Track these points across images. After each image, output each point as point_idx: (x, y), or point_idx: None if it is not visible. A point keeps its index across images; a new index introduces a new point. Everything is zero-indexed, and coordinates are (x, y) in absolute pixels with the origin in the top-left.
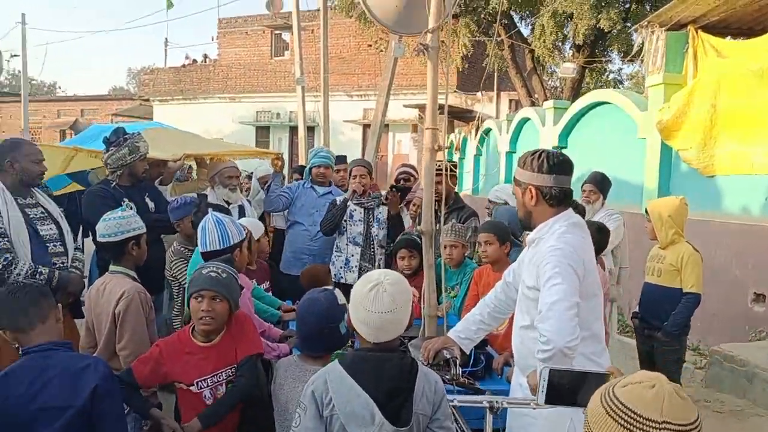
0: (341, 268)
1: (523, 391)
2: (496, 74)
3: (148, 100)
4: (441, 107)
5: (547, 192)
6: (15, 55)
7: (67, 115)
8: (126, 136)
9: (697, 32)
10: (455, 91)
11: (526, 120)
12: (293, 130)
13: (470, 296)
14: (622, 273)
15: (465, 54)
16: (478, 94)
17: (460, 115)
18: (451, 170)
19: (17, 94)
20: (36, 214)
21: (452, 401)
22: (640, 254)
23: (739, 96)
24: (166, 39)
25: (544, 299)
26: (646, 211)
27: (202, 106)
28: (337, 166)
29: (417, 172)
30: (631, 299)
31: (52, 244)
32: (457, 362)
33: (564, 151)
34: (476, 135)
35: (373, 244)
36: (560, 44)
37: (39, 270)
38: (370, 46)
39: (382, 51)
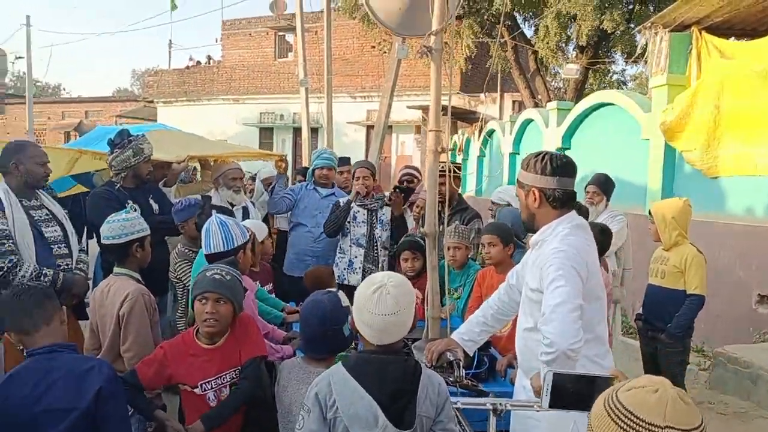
0: (345, 269)
1: (526, 393)
2: (499, 75)
3: (152, 101)
4: (444, 108)
5: (551, 194)
6: (20, 57)
7: (72, 116)
8: (130, 138)
9: (700, 33)
10: (458, 93)
11: (529, 121)
12: (297, 131)
13: (473, 298)
14: (626, 274)
15: (468, 55)
16: (481, 95)
17: (464, 117)
18: (455, 172)
19: (22, 96)
20: (40, 216)
21: (456, 403)
22: (644, 255)
23: (742, 97)
24: (170, 41)
25: (548, 301)
26: (650, 213)
27: (206, 108)
28: (340, 168)
29: (420, 174)
30: (634, 301)
31: (56, 246)
32: (461, 364)
33: (567, 152)
34: (479, 136)
35: (376, 245)
36: (563, 45)
37: (43, 272)
38: (374, 47)
39: (385, 52)
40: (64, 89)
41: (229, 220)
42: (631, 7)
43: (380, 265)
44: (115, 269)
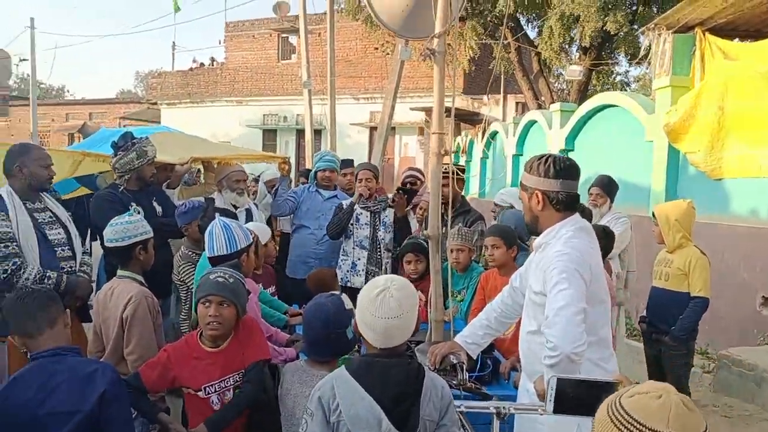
0: (348, 271)
1: (530, 397)
2: (502, 77)
3: (155, 103)
4: (447, 110)
5: (554, 197)
6: (24, 60)
7: (76, 118)
8: (134, 140)
9: (704, 34)
10: (461, 95)
11: (532, 123)
12: (300, 133)
13: (477, 300)
14: (630, 276)
15: (471, 57)
16: (485, 97)
17: (467, 118)
18: (459, 174)
19: (26, 98)
20: (44, 219)
21: (459, 407)
22: (648, 257)
23: (746, 98)
24: (173, 42)
25: (551, 305)
26: (653, 215)
27: (210, 110)
28: (343, 170)
29: (423, 176)
30: (638, 303)
31: (60, 248)
32: (464, 367)
33: (571, 154)
34: (483, 138)
35: (379, 247)
36: (567, 47)
37: (47, 274)
38: (377, 49)
39: (388, 54)
40: (68, 91)
41: (232, 222)
42: (634, 8)
43: (383, 267)
44: (119, 272)
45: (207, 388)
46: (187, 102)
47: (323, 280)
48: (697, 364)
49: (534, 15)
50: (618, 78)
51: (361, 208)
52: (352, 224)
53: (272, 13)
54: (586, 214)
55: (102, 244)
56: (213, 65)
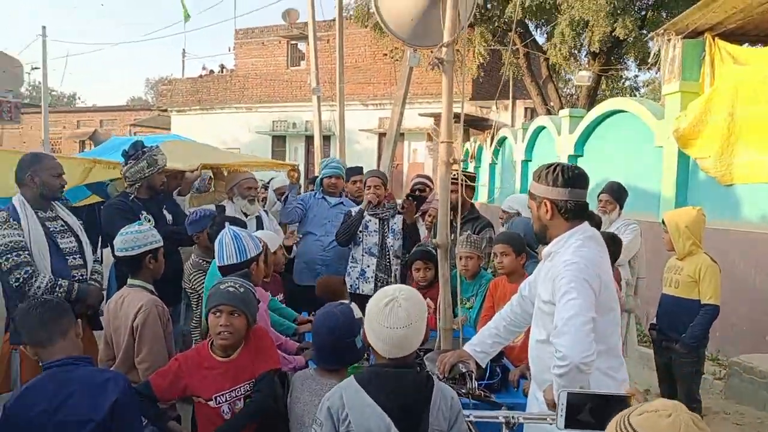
0: (357, 278)
1: (539, 405)
2: (511, 82)
3: (165, 110)
4: (456, 116)
5: (563, 205)
6: (36, 68)
7: (87, 125)
8: (144, 149)
9: (714, 40)
10: (471, 100)
11: (541, 128)
12: (309, 139)
13: (486, 308)
14: (640, 283)
15: (480, 63)
16: (493, 106)
17: (476, 124)
18: (468, 182)
19: (38, 105)
20: (56, 228)
21: (468, 416)
22: (658, 263)
23: (757, 103)
24: (183, 50)
25: (560, 314)
26: (663, 222)
27: (219, 116)
28: (353, 178)
29: (432, 182)
30: (648, 309)
31: (71, 257)
32: (473, 376)
33: (580, 159)
34: (492, 144)
35: (388, 254)
36: (576, 52)
37: (59, 283)
38: (386, 55)
39: (397, 60)
40: (79, 98)
41: (243, 231)
42: (643, 13)
43: (393, 274)
44: (129, 281)
45: (218, 398)
46: (197, 109)
47: (332, 288)
48: (708, 370)
49: (543, 21)
50: (627, 83)
51: (370, 215)
52: (361, 231)
53: (281, 20)
54: (596, 221)
55: (113, 252)
56: (223, 72)
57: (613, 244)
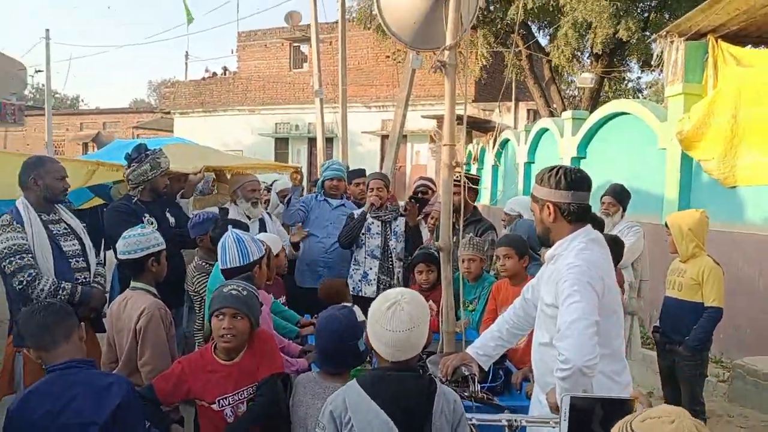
0: (359, 281)
1: (542, 408)
2: (514, 84)
3: (168, 112)
4: (459, 118)
5: (566, 208)
6: (39, 71)
7: (90, 128)
8: (147, 152)
9: (716, 41)
10: (473, 102)
11: (544, 130)
12: (312, 141)
13: (488, 310)
14: (643, 285)
15: (483, 65)
16: (496, 110)
17: (478, 126)
18: (471, 185)
19: (41, 108)
20: (59, 231)
21: (471, 419)
22: (662, 265)
23: (760, 105)
24: (186, 52)
25: (563, 317)
26: (666, 225)
27: (222, 119)
28: (356, 180)
29: (435, 185)
30: (652, 311)
31: (74, 259)
32: (476, 379)
33: (583, 161)
34: (494, 146)
35: (391, 257)
36: (579, 54)
37: (62, 285)
38: (388, 57)
39: (399, 62)
40: (82, 101)
41: (245, 235)
42: (646, 15)
43: (395, 276)
44: (132, 283)
45: (221, 401)
46: (200, 111)
47: (334, 291)
48: (711, 373)
49: (545, 22)
50: (630, 85)
51: (373, 217)
52: (363, 234)
53: (284, 23)
54: (599, 223)
55: (116, 254)
56: (225, 74)
57: (615, 246)
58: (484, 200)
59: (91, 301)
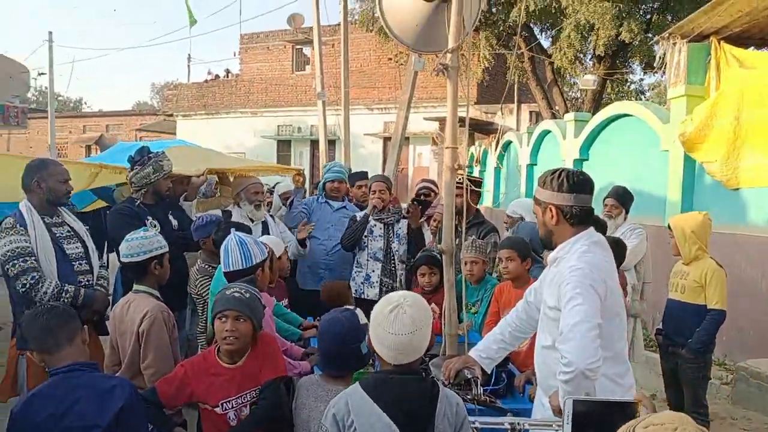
0: (362, 283)
1: (545, 411)
2: (516, 86)
3: (171, 115)
4: (461, 120)
5: (568, 211)
6: (42, 73)
7: (93, 130)
8: (150, 155)
9: (719, 43)
10: (475, 104)
11: (546, 132)
12: (314, 143)
13: (491, 313)
14: (646, 288)
15: (485, 67)
16: (498, 111)
17: (481, 128)
18: (473, 186)
19: (44, 111)
20: (62, 233)
21: (474, 423)
22: (664, 267)
23: (763, 107)
24: (189, 55)
25: (566, 320)
26: (669, 227)
27: (225, 121)
28: (358, 182)
29: (437, 187)
30: (655, 314)
31: (77, 262)
32: (478, 381)
33: (585, 163)
34: (496, 148)
35: (393, 259)
36: (581, 56)
37: (65, 288)
38: (391, 59)
39: (402, 64)
40: (85, 103)
41: (248, 237)
42: (649, 17)
43: (398, 278)
44: (135, 286)
45: (224, 404)
46: (203, 113)
47: (336, 293)
48: (715, 375)
49: (548, 24)
50: (632, 86)
51: (375, 219)
52: (366, 236)
53: (286, 25)
54: (601, 226)
55: (119, 257)
56: (228, 77)
57: (618, 248)
58: (486, 203)
59: (94, 303)
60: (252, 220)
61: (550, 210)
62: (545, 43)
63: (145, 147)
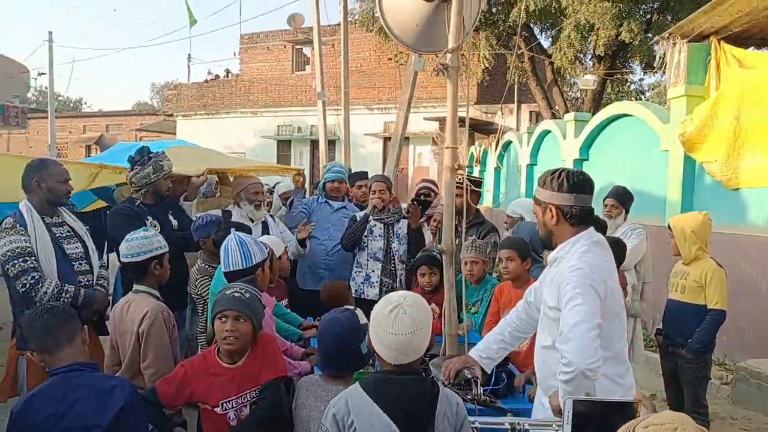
0: (362, 283)
1: (545, 411)
2: (516, 86)
3: (171, 115)
4: (461, 120)
5: (568, 211)
6: (42, 73)
7: (93, 130)
8: (150, 155)
9: (719, 43)
10: (475, 104)
11: (546, 132)
12: (314, 143)
13: (491, 313)
14: (646, 288)
15: (485, 67)
16: (498, 111)
17: (481, 128)
18: (473, 186)
19: (44, 111)
20: (62, 233)
21: (474, 423)
22: (665, 267)
23: (763, 107)
24: (189, 55)
25: (566, 320)
26: (669, 227)
27: (225, 121)
28: (358, 182)
29: (437, 187)
30: (655, 313)
31: (77, 262)
32: (478, 381)
33: (585, 163)
34: (496, 148)
35: (393, 259)
36: (581, 56)
37: (65, 288)
38: (391, 59)
39: (402, 64)
40: (85, 103)
41: (248, 237)
42: (649, 17)
43: (398, 278)
44: (135, 286)
45: (224, 404)
46: (203, 113)
47: (336, 293)
48: (715, 375)
49: (548, 24)
50: (632, 86)
51: (375, 219)
52: (366, 236)
53: (286, 25)
54: (601, 226)
55: (119, 257)
56: (228, 77)
57: (618, 248)
58: (486, 203)
59: (94, 303)
60: (252, 220)
61: (550, 210)
62: (545, 43)
63: (145, 147)
